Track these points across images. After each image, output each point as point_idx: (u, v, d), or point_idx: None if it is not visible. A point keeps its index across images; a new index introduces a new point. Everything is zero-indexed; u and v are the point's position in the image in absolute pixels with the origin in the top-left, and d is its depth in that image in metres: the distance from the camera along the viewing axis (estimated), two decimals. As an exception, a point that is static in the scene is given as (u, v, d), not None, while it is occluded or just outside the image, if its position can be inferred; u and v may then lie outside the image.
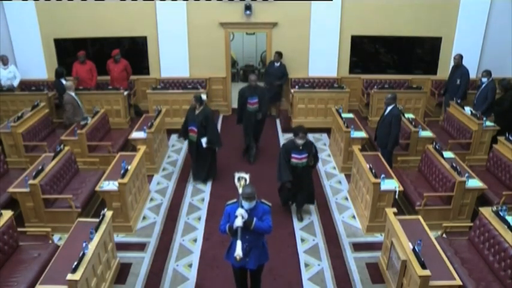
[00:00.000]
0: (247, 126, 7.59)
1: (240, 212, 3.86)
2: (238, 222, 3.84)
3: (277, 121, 9.78)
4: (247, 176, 4.25)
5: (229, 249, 4.14)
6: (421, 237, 4.45)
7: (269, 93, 8.70)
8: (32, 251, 4.72)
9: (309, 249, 5.44)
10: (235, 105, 10.34)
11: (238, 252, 3.82)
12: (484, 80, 8.00)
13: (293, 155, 5.58)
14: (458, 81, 8.47)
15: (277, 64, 9.42)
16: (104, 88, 9.11)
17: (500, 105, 7.71)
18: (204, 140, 6.56)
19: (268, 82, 9.49)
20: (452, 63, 8.92)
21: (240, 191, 3.98)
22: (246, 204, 3.89)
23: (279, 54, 9.36)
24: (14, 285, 4.20)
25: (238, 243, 3.85)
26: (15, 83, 9.06)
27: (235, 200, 4.07)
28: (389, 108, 6.64)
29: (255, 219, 3.88)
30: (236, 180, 4.16)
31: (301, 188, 5.81)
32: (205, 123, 6.49)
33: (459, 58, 8.50)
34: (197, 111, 6.51)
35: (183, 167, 7.58)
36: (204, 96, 6.58)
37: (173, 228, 5.85)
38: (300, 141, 5.49)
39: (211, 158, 6.92)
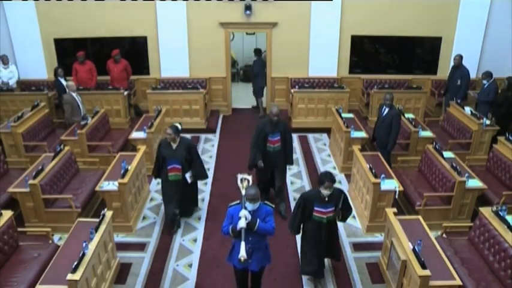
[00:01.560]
0: (266, 171, 6.04)
1: (244, 213, 3.85)
2: (242, 224, 3.83)
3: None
4: (250, 178, 4.21)
5: (231, 251, 4.13)
6: (421, 237, 4.45)
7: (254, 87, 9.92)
8: (32, 251, 4.72)
9: (309, 249, 5.43)
10: (235, 105, 10.45)
11: (243, 253, 3.82)
12: (485, 82, 8.01)
13: (316, 208, 4.41)
14: (458, 82, 8.47)
15: (254, 60, 9.92)
16: (104, 88, 9.12)
17: (503, 106, 7.67)
18: (188, 175, 5.60)
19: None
20: (452, 63, 8.92)
21: (243, 192, 3.96)
22: (249, 205, 3.88)
23: (255, 51, 9.89)
24: (14, 285, 4.20)
25: (242, 245, 3.84)
26: (11, 82, 9.05)
27: (238, 202, 4.06)
28: (387, 108, 6.64)
29: (258, 220, 3.88)
30: (239, 182, 4.13)
31: (327, 246, 4.66)
32: (189, 156, 5.51)
33: (459, 59, 8.51)
34: (175, 145, 5.45)
35: (183, 167, 7.58)
36: (180, 126, 5.58)
37: (173, 228, 5.84)
38: (326, 192, 4.30)
39: (194, 187, 6.02)
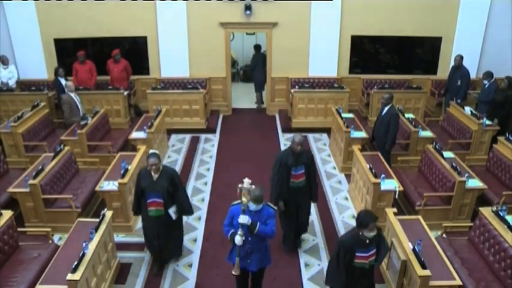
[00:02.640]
0: (290, 215, 5.14)
1: (243, 220, 3.85)
2: (238, 241, 3.88)
3: (277, 121, 9.77)
4: (251, 186, 3.98)
5: (231, 250, 4.15)
6: (421, 237, 4.45)
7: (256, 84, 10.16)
8: (32, 251, 4.72)
9: (309, 249, 5.44)
10: (235, 105, 10.45)
11: (237, 270, 4.00)
12: (486, 82, 8.01)
13: (358, 254, 3.85)
14: (459, 82, 8.47)
15: (254, 54, 10.17)
16: (104, 88, 9.11)
17: (504, 106, 7.66)
18: (172, 211, 4.74)
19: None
20: (452, 63, 8.92)
21: (244, 201, 3.90)
22: (253, 205, 3.88)
23: (255, 47, 10.12)
24: (14, 285, 4.20)
25: (237, 261, 3.97)
26: (11, 82, 9.05)
27: (240, 201, 4.05)
28: (386, 108, 6.65)
29: (258, 223, 3.88)
30: (238, 191, 4.02)
31: None
32: (172, 188, 4.68)
33: (460, 59, 8.51)
34: (156, 176, 4.63)
35: (183, 167, 7.58)
36: (157, 152, 4.87)
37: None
38: (371, 234, 3.81)
39: (180, 225, 5.12)
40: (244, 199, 3.89)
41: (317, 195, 5.23)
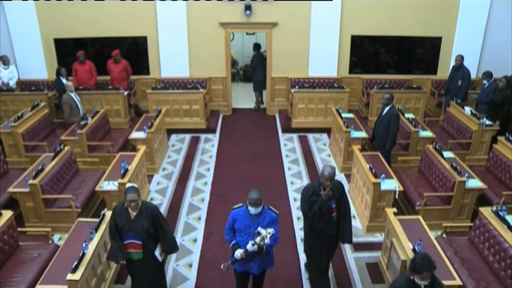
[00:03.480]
0: (321, 255, 4.46)
1: (239, 253, 3.85)
2: (238, 256, 3.87)
3: (277, 121, 9.78)
4: (266, 233, 3.78)
5: (232, 255, 4.04)
6: (421, 237, 4.45)
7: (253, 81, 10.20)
8: (32, 251, 4.72)
9: (309, 249, 5.43)
10: (235, 105, 10.45)
11: (225, 267, 3.99)
12: (486, 82, 8.00)
13: None
14: (459, 82, 8.47)
15: (254, 54, 10.14)
16: (104, 88, 9.12)
17: (504, 106, 7.65)
18: (158, 253, 4.13)
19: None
20: (452, 63, 8.92)
21: (258, 241, 3.76)
22: (252, 209, 3.82)
23: (255, 45, 10.09)
24: (14, 285, 4.20)
25: (229, 263, 3.98)
26: (11, 83, 9.05)
27: (241, 204, 4.00)
28: (386, 108, 6.65)
29: (265, 247, 3.80)
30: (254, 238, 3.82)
31: None
32: (153, 229, 4.02)
33: (461, 59, 8.50)
34: (134, 213, 3.97)
35: (183, 167, 7.58)
36: (136, 186, 4.26)
37: (173, 228, 5.84)
38: (421, 282, 3.38)
39: (163, 274, 4.54)
40: (257, 240, 3.77)
41: (350, 237, 4.40)
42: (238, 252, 3.87)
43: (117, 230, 4.01)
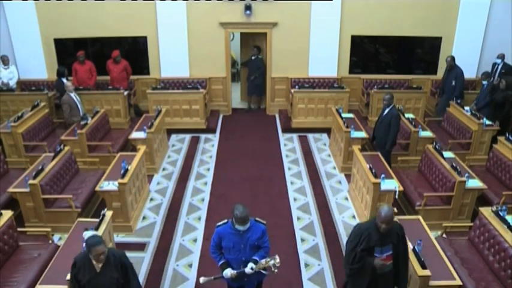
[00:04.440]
0: None
1: (230, 274, 3.67)
2: (227, 275, 3.68)
3: (277, 120, 9.78)
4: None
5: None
6: (421, 237, 4.45)
7: (251, 85, 9.94)
8: (32, 251, 4.72)
9: (309, 249, 5.43)
10: (234, 105, 10.45)
11: (204, 280, 3.77)
12: (485, 82, 8.00)
13: None
14: (453, 83, 8.47)
15: (253, 58, 9.84)
16: (104, 88, 9.12)
17: (504, 106, 7.64)
18: None
19: (249, 75, 10.01)
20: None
21: (259, 267, 3.65)
22: (239, 227, 3.58)
23: (256, 48, 9.79)
24: (14, 285, 4.20)
25: (211, 279, 3.80)
26: (12, 83, 9.05)
27: (225, 221, 3.75)
28: (388, 109, 6.64)
29: (256, 268, 3.64)
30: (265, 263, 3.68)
31: None
32: (123, 278, 3.54)
33: (451, 60, 8.51)
34: (100, 265, 3.42)
35: (183, 167, 7.58)
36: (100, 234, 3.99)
37: (173, 228, 5.85)
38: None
39: None
40: (259, 266, 3.66)
41: (405, 285, 3.88)
42: (229, 272, 3.67)
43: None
